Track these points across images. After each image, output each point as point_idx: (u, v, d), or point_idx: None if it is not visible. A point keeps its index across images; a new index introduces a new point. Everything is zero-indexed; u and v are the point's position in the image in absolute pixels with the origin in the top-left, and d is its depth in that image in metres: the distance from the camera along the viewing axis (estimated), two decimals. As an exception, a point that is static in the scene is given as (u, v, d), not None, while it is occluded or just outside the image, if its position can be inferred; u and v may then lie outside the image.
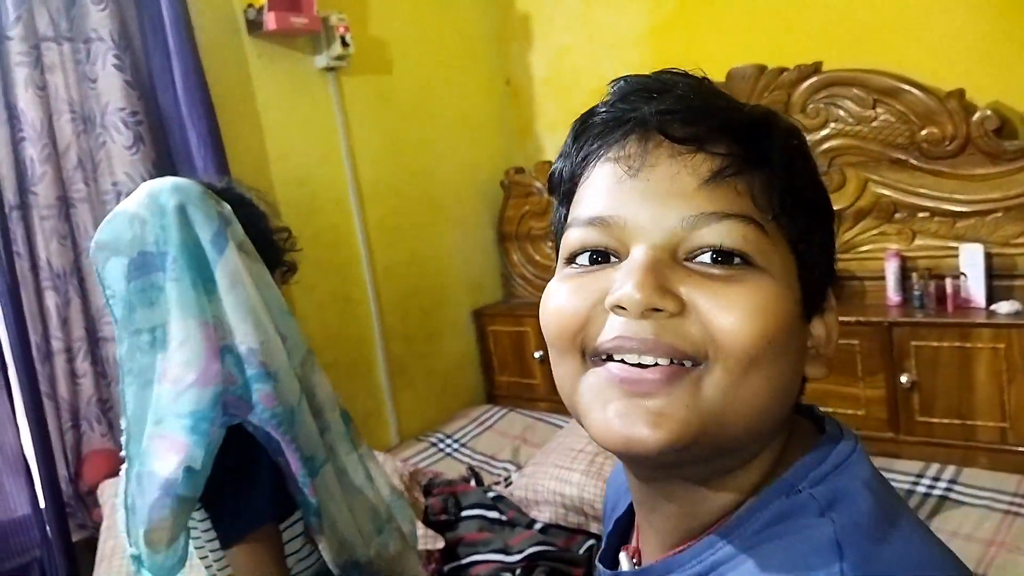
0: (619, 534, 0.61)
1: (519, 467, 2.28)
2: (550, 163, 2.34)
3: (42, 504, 1.86)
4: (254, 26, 2.21)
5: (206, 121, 2.00)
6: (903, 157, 2.07)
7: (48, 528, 1.86)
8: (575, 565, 1.77)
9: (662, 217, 0.44)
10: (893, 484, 0.54)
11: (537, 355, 2.69)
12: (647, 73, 0.50)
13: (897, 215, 2.11)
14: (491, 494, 2.05)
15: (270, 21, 2.16)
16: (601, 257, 0.47)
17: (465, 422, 2.65)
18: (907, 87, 2.04)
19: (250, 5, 2.20)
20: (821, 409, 0.52)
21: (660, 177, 0.45)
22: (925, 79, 2.04)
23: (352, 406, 2.48)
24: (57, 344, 1.91)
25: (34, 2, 1.84)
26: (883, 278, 2.09)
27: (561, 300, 0.47)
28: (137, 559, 0.96)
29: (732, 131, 0.45)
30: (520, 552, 1.78)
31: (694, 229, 0.43)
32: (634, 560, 0.56)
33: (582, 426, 0.47)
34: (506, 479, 2.24)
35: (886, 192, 2.10)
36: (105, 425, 2.00)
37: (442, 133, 2.79)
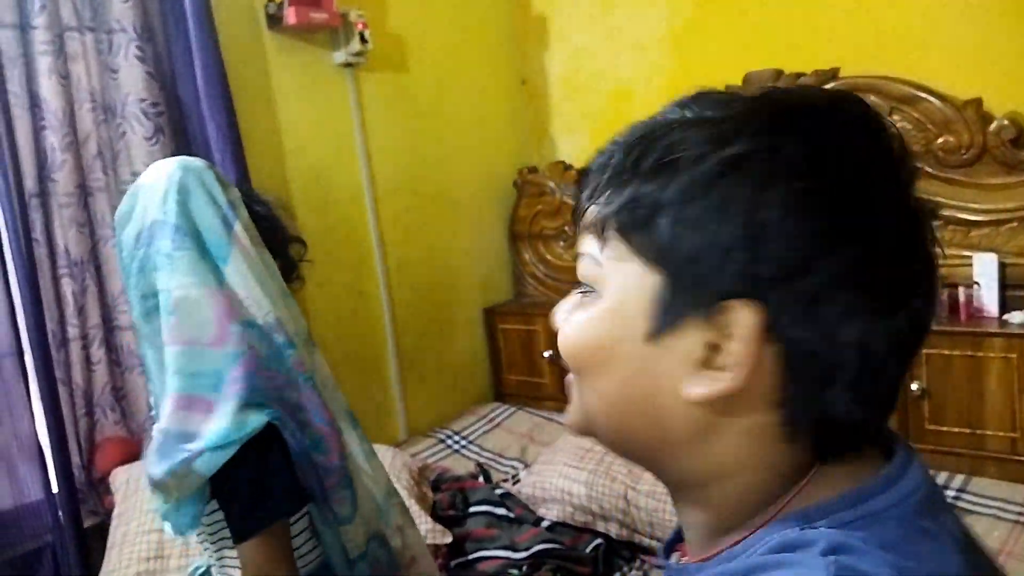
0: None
1: (526, 465, 2.29)
2: (563, 163, 2.36)
3: (55, 490, 1.88)
4: (274, 20, 2.23)
5: (225, 114, 2.02)
6: (919, 165, 2.05)
7: (60, 514, 1.88)
8: (582, 563, 1.78)
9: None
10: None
11: (546, 354, 2.70)
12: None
13: (911, 223, 2.11)
14: (499, 491, 2.06)
15: (290, 16, 2.18)
16: None
17: (473, 419, 2.67)
18: (924, 95, 2.04)
19: (271, 0, 2.22)
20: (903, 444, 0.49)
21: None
22: (942, 88, 2.04)
23: (362, 400, 2.51)
24: (73, 331, 1.93)
25: (59, -8, 1.86)
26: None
27: None
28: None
29: (593, 180, 0.50)
30: (527, 549, 1.79)
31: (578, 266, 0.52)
32: (682, 557, 0.58)
33: None
34: (514, 477, 2.25)
35: (900, 199, 2.10)
36: (119, 413, 2.02)
37: (457, 131, 2.80)
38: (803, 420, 0.45)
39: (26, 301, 1.80)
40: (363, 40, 2.34)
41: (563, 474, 1.95)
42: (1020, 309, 1.89)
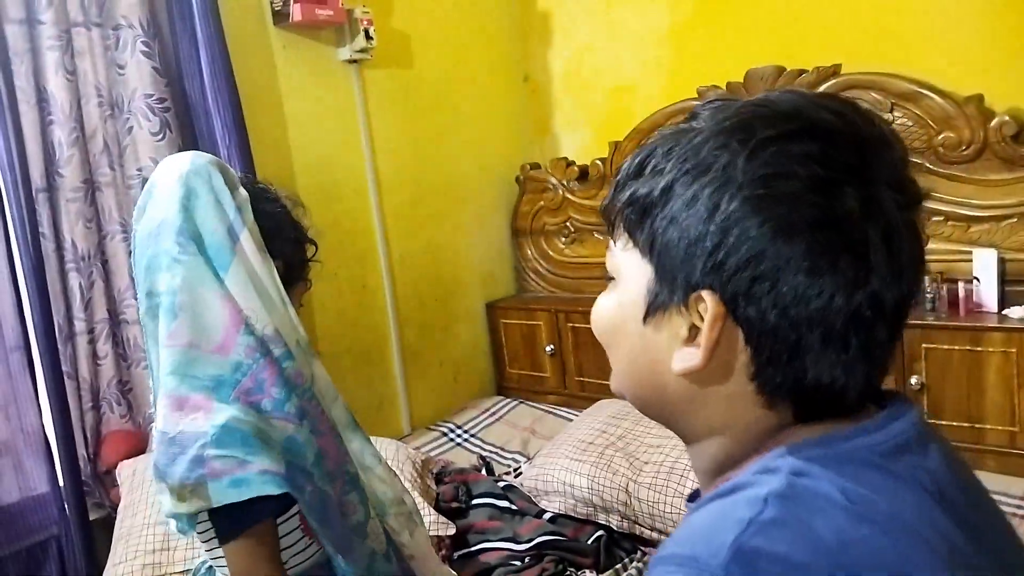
0: None
1: (528, 458, 2.31)
2: (566, 160, 2.38)
3: (61, 483, 1.89)
4: (280, 17, 2.24)
5: (231, 109, 2.03)
6: (919, 161, 2.08)
7: (67, 506, 1.90)
8: (583, 555, 1.80)
9: None
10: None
11: (548, 349, 2.72)
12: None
13: (911, 219, 2.12)
14: (501, 483, 2.08)
15: (296, 12, 2.19)
16: None
17: (475, 412, 2.68)
18: (925, 91, 2.05)
19: (276, -4, 2.23)
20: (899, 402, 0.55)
21: None
22: (944, 84, 2.05)
23: (366, 393, 2.53)
24: (80, 325, 1.94)
25: (66, -12, 1.87)
26: (896, 281, 2.10)
27: None
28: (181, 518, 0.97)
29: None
30: (529, 541, 1.81)
31: None
32: None
33: None
34: (516, 470, 2.27)
35: (901, 196, 2.12)
36: (125, 407, 2.03)
37: (460, 127, 2.81)
38: (777, 388, 0.52)
39: (33, 295, 1.81)
40: (368, 37, 2.35)
41: (565, 467, 1.97)
42: (1019, 304, 1.91)
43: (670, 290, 0.53)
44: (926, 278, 2.04)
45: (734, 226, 0.49)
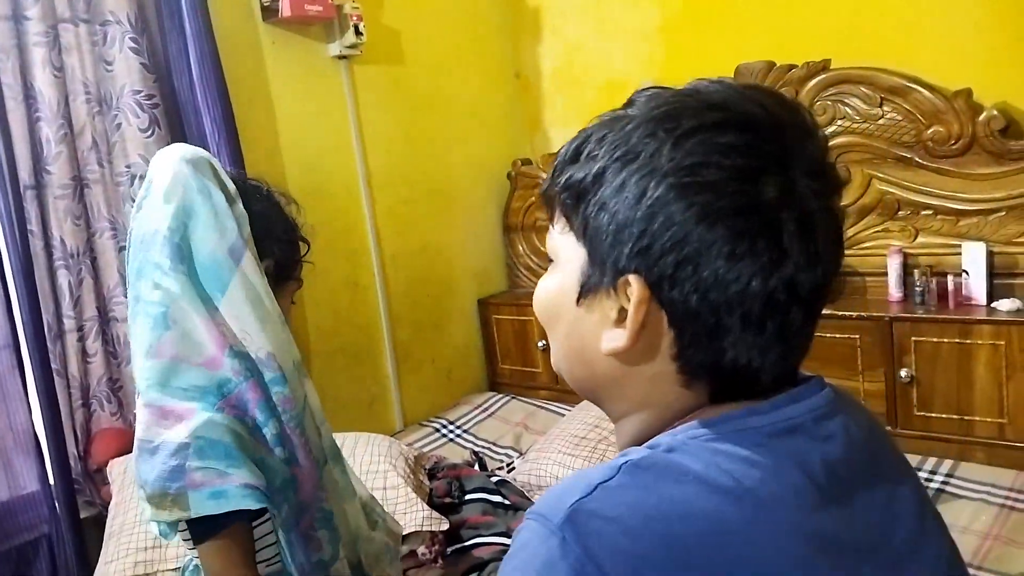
0: None
1: (520, 453, 2.31)
2: (557, 155, 2.33)
3: (52, 481, 1.88)
4: (269, 12, 2.23)
5: (220, 106, 2.02)
6: (908, 155, 2.10)
7: (57, 505, 1.89)
8: (577, 550, 1.80)
9: None
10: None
11: (540, 344, 2.72)
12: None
13: (901, 212, 2.13)
14: (494, 478, 2.08)
15: (285, 8, 2.18)
16: None
17: (468, 408, 2.68)
18: (915, 86, 2.06)
19: (265, -9, 2.22)
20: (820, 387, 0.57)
21: None
22: (933, 78, 2.06)
23: (358, 390, 2.53)
24: (69, 323, 1.93)
25: (53, -17, 1.86)
26: (885, 274, 2.12)
27: None
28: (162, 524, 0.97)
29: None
30: (523, 536, 1.81)
31: None
32: None
33: None
34: (508, 465, 2.27)
35: (890, 189, 2.13)
36: (115, 404, 2.02)
37: (451, 123, 2.81)
38: (697, 369, 0.54)
39: (22, 293, 1.80)
40: (358, 32, 2.34)
41: (558, 461, 1.97)
42: (1008, 297, 1.92)
43: (600, 273, 0.54)
44: (916, 272, 2.06)
45: (659, 212, 0.51)
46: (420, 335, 2.73)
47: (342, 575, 1.10)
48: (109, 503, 1.88)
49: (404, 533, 1.79)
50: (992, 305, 1.93)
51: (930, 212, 2.09)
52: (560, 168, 0.58)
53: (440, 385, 2.80)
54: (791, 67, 2.26)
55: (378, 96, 2.56)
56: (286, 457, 1.02)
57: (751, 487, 0.49)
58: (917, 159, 2.08)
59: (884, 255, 2.12)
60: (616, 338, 0.54)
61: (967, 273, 1.98)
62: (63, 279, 1.92)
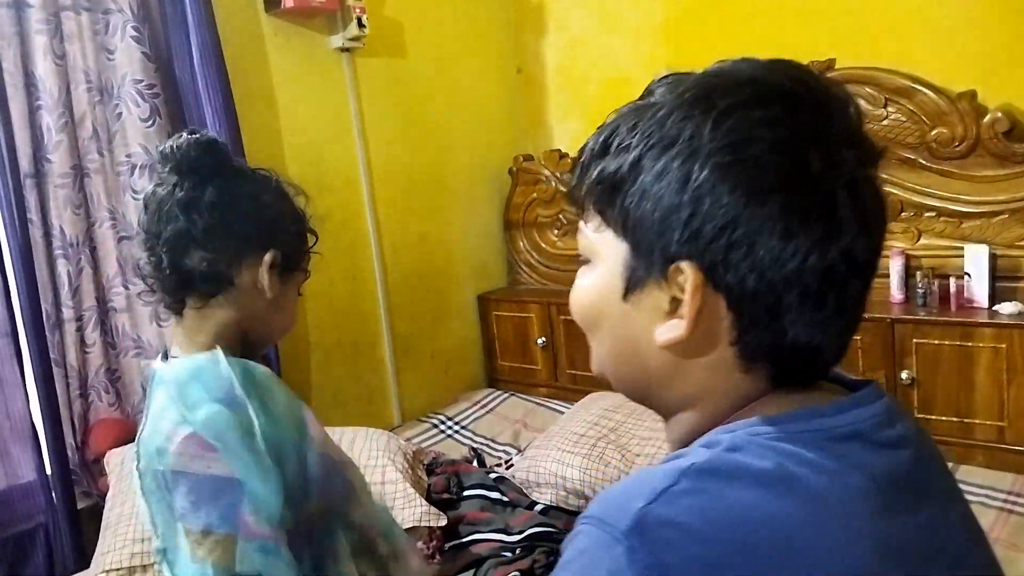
0: None
1: (519, 450, 2.31)
2: (559, 151, 2.36)
3: (49, 471, 1.87)
4: (272, 3, 2.22)
5: (222, 96, 2.01)
6: (912, 156, 2.09)
7: (54, 495, 1.88)
8: (575, 547, 1.79)
9: None
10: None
11: (540, 341, 2.71)
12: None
13: (904, 214, 2.13)
14: (493, 475, 2.07)
15: (288, -1, 2.17)
16: None
17: (466, 404, 2.68)
18: (919, 87, 2.05)
19: (268, -18, 2.21)
20: (867, 385, 0.56)
21: None
22: (937, 80, 2.05)
23: (357, 384, 2.52)
24: (68, 313, 1.93)
25: (54, -29, 1.84)
26: (887, 276, 2.11)
27: None
28: (163, 552, 0.91)
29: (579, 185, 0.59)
30: (521, 532, 1.80)
31: None
32: None
33: None
34: (507, 462, 2.27)
35: (893, 191, 2.12)
36: (113, 395, 2.02)
37: (453, 118, 2.80)
38: (757, 352, 0.53)
39: (21, 282, 1.80)
40: (361, 25, 2.33)
41: (557, 459, 1.96)
42: (1010, 300, 1.92)
43: (647, 264, 0.53)
44: (918, 273, 2.05)
45: (706, 194, 0.49)
46: (419, 329, 2.72)
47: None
48: (106, 494, 1.87)
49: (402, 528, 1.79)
50: (994, 308, 1.92)
51: (933, 214, 2.08)
52: (588, 163, 0.56)
53: (438, 380, 2.79)
54: (796, 66, 2.25)
55: (380, 89, 2.55)
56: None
57: (819, 492, 0.47)
58: (921, 160, 2.08)
59: (886, 257, 2.12)
60: (672, 329, 0.53)
61: (969, 276, 1.97)
62: (62, 268, 1.91)
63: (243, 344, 1.04)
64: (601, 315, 0.58)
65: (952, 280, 1.99)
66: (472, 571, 1.71)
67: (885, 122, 2.12)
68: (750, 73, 0.52)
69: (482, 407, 2.67)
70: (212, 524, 0.86)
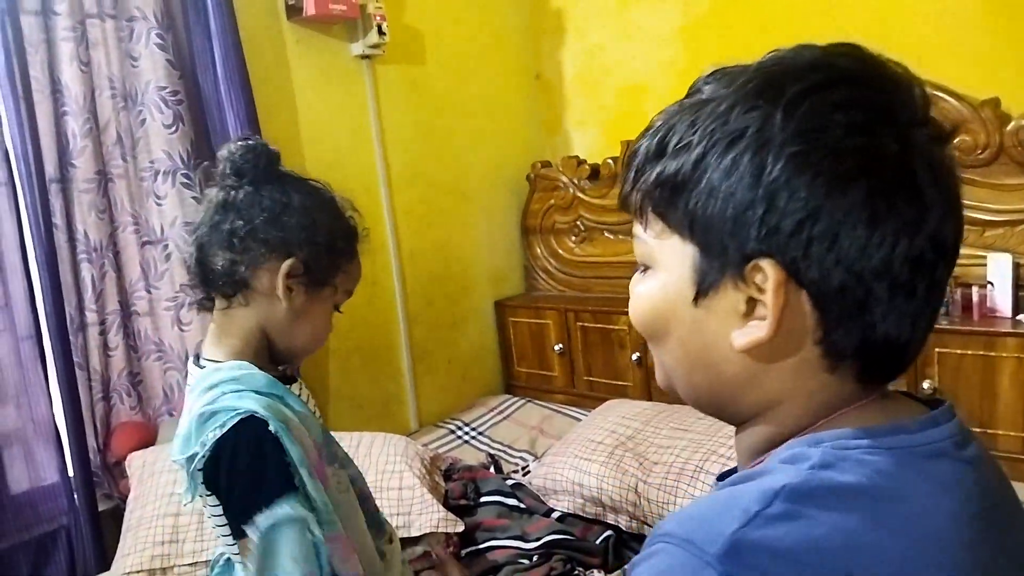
0: None
1: (536, 457, 2.31)
2: (577, 158, 2.35)
3: (71, 473, 1.90)
4: (293, 11, 2.24)
5: (244, 103, 2.03)
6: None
7: (76, 497, 1.90)
8: (592, 555, 1.79)
9: None
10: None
11: (557, 348, 2.71)
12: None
13: (925, 222, 2.11)
14: (510, 482, 2.07)
15: (309, 7, 2.19)
16: None
17: (483, 410, 2.68)
18: (941, 95, 2.04)
19: (290, -10, 2.23)
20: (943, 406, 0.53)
21: None
22: (960, 87, 2.03)
23: (374, 390, 2.53)
24: (91, 316, 1.95)
25: (81, -21, 1.87)
26: (909, 284, 2.09)
27: None
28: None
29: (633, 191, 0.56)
30: (537, 539, 1.80)
31: None
32: None
33: None
34: (524, 468, 2.26)
35: (915, 199, 2.10)
36: (135, 398, 2.04)
37: (472, 124, 2.81)
38: (844, 350, 0.50)
39: (45, 286, 1.82)
40: (381, 32, 2.35)
41: (574, 466, 1.96)
42: (1033, 309, 1.89)
43: (720, 265, 0.50)
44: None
45: (782, 187, 0.47)
46: (436, 335, 2.73)
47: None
48: (127, 496, 1.89)
49: (419, 534, 1.79)
50: (1018, 318, 1.90)
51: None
52: (642, 166, 0.54)
53: (455, 386, 2.80)
54: (816, 73, 2.24)
55: (399, 96, 2.57)
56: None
57: (915, 517, 0.46)
58: (943, 168, 2.06)
59: (907, 264, 2.10)
60: (753, 331, 0.50)
61: (992, 285, 1.95)
62: (86, 273, 1.93)
63: (272, 352, 1.05)
64: (669, 323, 0.55)
65: (975, 289, 1.97)
66: (489, 578, 1.71)
67: (907, 129, 2.10)
68: (813, 58, 0.50)
69: (499, 413, 2.67)
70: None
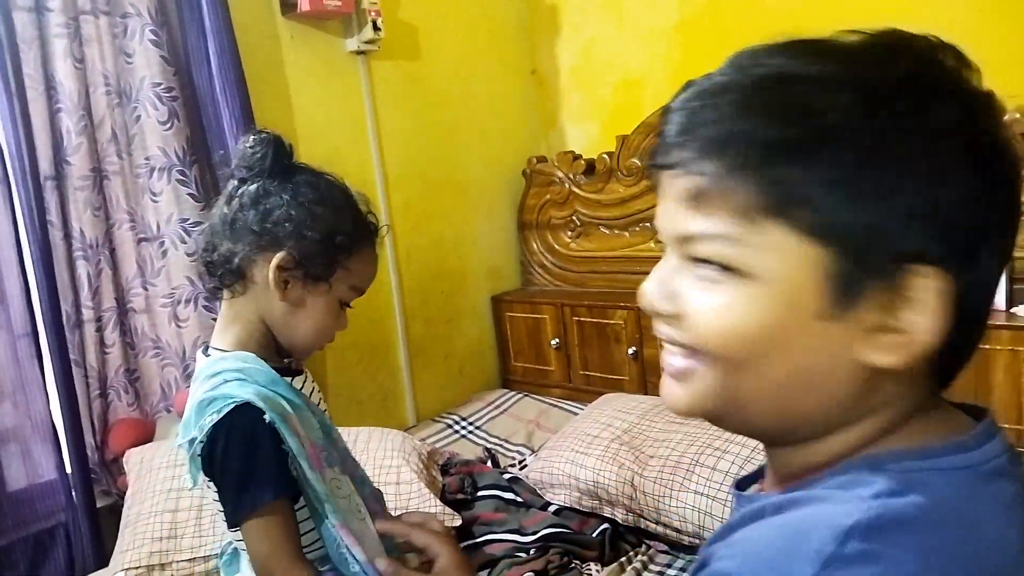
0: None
1: (532, 451, 2.31)
2: (573, 153, 2.35)
3: (69, 470, 1.90)
4: (288, 7, 2.24)
5: (239, 99, 2.03)
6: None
7: (74, 493, 1.91)
8: (588, 548, 1.80)
9: (671, 229, 0.50)
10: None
11: (553, 342, 2.71)
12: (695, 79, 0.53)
13: (920, 215, 2.11)
14: (507, 476, 2.08)
15: (304, 2, 2.18)
16: None
17: (480, 405, 2.69)
18: (936, 88, 2.04)
19: (284, -14, 2.23)
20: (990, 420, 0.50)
21: (665, 194, 0.51)
22: (954, 80, 2.04)
23: (372, 385, 2.53)
24: (87, 313, 1.95)
25: (74, -25, 1.87)
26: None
27: None
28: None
29: (711, 150, 0.47)
30: (534, 533, 1.81)
31: (687, 244, 0.49)
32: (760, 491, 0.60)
33: None
34: (521, 462, 2.27)
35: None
36: (132, 395, 2.04)
37: (467, 120, 2.81)
38: (960, 360, 0.47)
39: (41, 283, 1.82)
40: (376, 28, 2.34)
41: (570, 460, 1.97)
42: (1027, 302, 1.90)
43: (863, 270, 0.43)
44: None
45: (952, 190, 0.42)
46: (433, 330, 2.74)
47: None
48: (125, 492, 1.90)
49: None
50: (1012, 310, 1.91)
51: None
52: (742, 157, 0.45)
53: (452, 381, 2.81)
54: (811, 67, 2.24)
55: (395, 92, 2.57)
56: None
57: (991, 542, 0.43)
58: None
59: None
60: (899, 346, 0.44)
61: (986, 277, 1.96)
62: (82, 270, 1.93)
63: (278, 344, 1.06)
64: (775, 342, 0.46)
65: (969, 282, 1.97)
66: (486, 571, 1.71)
67: (901, 123, 2.11)
68: (888, 41, 0.48)
69: (496, 408, 2.67)
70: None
